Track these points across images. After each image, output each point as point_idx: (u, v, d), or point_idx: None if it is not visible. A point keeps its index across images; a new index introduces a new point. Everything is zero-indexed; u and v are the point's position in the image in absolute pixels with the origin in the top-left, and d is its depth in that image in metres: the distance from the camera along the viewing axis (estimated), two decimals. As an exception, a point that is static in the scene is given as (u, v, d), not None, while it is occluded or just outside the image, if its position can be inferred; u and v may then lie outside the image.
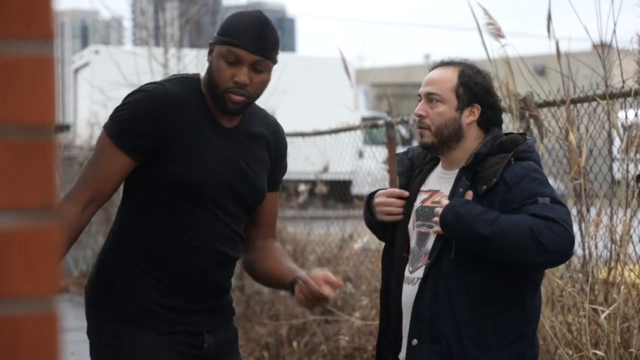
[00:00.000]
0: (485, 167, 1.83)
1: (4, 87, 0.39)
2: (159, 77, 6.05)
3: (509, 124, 3.12)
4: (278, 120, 2.09)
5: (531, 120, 3.11)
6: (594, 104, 2.94)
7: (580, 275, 3.03)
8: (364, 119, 7.40)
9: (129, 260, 1.86)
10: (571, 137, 2.89)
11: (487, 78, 1.96)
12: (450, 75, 1.90)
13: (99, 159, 1.83)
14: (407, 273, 1.91)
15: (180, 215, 1.84)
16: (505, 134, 1.97)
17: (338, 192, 5.94)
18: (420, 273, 1.87)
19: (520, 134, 2.00)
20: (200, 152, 1.84)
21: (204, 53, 6.89)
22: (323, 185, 5.67)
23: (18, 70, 0.39)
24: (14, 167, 0.39)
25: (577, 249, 2.78)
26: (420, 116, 1.91)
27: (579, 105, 3.03)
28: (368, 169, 5.25)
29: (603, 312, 2.72)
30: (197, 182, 1.83)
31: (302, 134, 4.99)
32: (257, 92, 1.85)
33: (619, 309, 2.77)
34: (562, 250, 1.79)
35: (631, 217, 2.81)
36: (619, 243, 2.83)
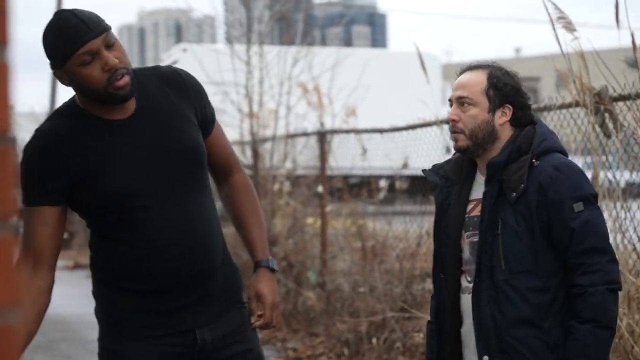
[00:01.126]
0: (510, 174, 1.85)
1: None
2: (241, 75, 6.20)
3: (584, 118, 3.12)
4: (181, 69, 1.92)
5: (606, 115, 3.05)
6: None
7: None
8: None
9: (107, 280, 1.81)
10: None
11: (516, 78, 1.99)
12: (480, 78, 1.92)
13: (28, 217, 1.74)
14: (465, 283, 1.95)
15: (132, 224, 1.73)
16: (520, 130, 1.97)
17: (419, 187, 5.84)
18: None
19: (530, 122, 1.99)
20: (113, 160, 1.71)
21: (287, 50, 7.06)
22: (403, 181, 5.62)
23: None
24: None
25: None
26: (453, 121, 1.94)
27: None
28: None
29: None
30: (126, 187, 1.71)
31: (380, 130, 4.94)
32: (127, 62, 1.69)
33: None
34: (614, 274, 1.86)
35: None
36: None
